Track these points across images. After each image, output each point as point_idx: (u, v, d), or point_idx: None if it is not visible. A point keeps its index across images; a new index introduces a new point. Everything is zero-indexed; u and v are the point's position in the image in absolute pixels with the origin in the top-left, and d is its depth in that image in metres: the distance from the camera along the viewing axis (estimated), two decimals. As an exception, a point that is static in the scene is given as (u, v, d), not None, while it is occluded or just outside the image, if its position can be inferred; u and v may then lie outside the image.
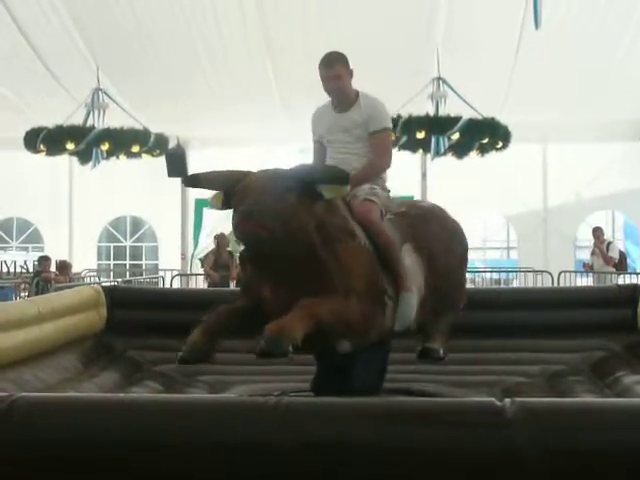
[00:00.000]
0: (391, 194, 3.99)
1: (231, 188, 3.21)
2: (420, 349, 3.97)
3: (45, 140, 10.89)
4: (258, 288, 3.36)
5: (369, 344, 3.49)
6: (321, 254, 3.23)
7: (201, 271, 12.69)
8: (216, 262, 11.89)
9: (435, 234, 3.86)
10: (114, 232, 16.45)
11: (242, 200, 3.08)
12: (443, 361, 4.01)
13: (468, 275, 13.06)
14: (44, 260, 11.41)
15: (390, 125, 4.04)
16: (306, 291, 3.13)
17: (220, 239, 12.19)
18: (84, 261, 14.86)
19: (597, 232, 11.69)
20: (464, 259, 4.14)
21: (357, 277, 3.31)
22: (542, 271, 11.94)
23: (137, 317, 5.50)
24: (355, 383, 3.57)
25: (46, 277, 10.68)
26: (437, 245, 3.83)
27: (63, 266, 11.63)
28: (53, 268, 11.59)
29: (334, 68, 3.91)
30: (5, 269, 13.43)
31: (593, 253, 11.65)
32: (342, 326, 3.26)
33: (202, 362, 3.50)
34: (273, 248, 3.05)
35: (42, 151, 11.18)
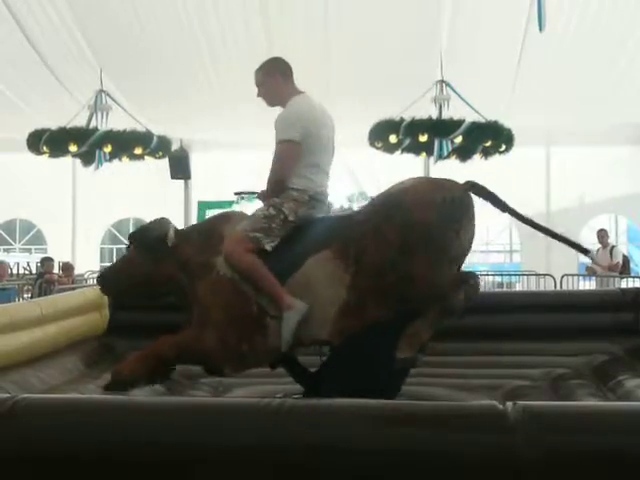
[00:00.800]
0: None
1: None
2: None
3: (48, 142, 10.91)
4: None
5: (257, 366, 3.84)
6: (188, 290, 3.72)
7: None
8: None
9: (369, 229, 3.49)
10: (117, 234, 16.46)
11: None
12: (414, 365, 3.67)
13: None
14: (47, 261, 11.43)
15: (286, 137, 3.77)
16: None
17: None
18: (87, 263, 14.87)
19: (602, 233, 11.68)
20: (415, 246, 3.44)
21: (213, 308, 3.59)
22: (545, 274, 11.92)
23: (139, 319, 5.50)
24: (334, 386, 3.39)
25: (49, 279, 10.69)
26: (366, 241, 3.47)
27: (66, 267, 11.63)
28: (56, 269, 11.61)
29: (255, 79, 4.07)
30: (8, 271, 13.44)
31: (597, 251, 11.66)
32: (197, 356, 3.68)
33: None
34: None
35: (45, 153, 11.19)
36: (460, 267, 3.73)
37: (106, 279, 4.07)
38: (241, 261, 3.61)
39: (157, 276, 3.83)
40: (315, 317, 3.49)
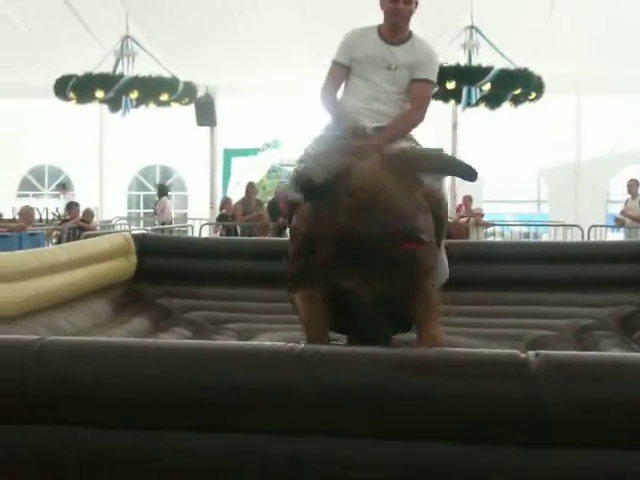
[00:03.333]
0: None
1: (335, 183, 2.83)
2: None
3: (75, 88, 10.91)
4: (335, 278, 2.93)
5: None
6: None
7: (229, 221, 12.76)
8: (244, 210, 11.98)
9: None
10: (144, 181, 16.54)
11: (370, 205, 2.73)
12: None
13: (497, 228, 13.05)
14: (74, 206, 11.54)
15: (435, 79, 3.76)
16: (398, 282, 2.88)
17: (249, 188, 12.28)
18: (115, 209, 15.00)
19: (632, 183, 11.52)
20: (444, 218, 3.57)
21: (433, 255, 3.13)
22: (572, 225, 11.82)
23: (166, 265, 5.55)
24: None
25: (79, 225, 10.82)
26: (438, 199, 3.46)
27: (87, 214, 11.78)
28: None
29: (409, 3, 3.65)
30: (37, 216, 13.59)
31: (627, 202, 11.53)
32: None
33: None
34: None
35: (72, 99, 11.21)
36: None
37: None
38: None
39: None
40: None
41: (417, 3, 3.70)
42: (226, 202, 12.82)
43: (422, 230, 2.74)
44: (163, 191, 13.97)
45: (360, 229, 2.69)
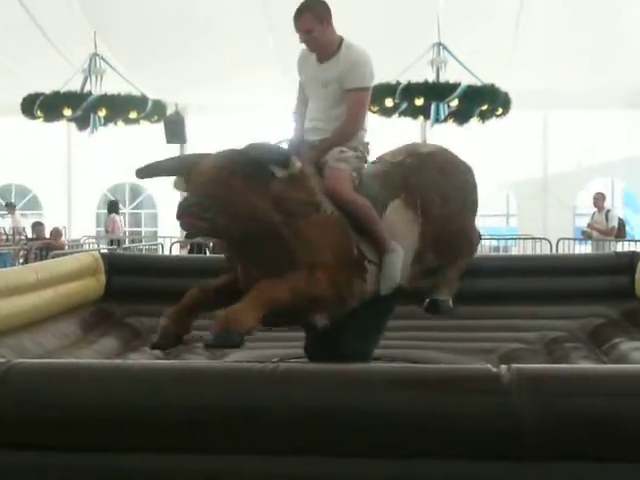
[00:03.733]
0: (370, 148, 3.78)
1: (187, 173, 3.24)
2: (427, 302, 3.94)
3: (42, 106, 10.81)
4: (232, 268, 3.42)
5: (343, 311, 3.45)
6: (283, 231, 3.17)
7: (198, 239, 12.68)
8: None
9: (430, 182, 3.71)
10: (113, 199, 16.42)
11: (189, 188, 3.18)
12: (451, 312, 4.00)
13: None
14: (38, 225, 11.42)
15: (367, 84, 3.67)
16: (273, 270, 3.13)
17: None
18: (83, 228, 14.85)
19: (598, 196, 11.67)
20: (467, 202, 3.95)
21: (322, 250, 3.26)
22: (541, 238, 11.93)
23: (136, 284, 5.50)
24: (342, 349, 3.46)
25: (46, 244, 10.70)
26: (431, 194, 3.69)
27: (55, 233, 11.64)
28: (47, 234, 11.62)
29: (302, 20, 3.61)
30: (4, 236, 13.41)
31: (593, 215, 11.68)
32: (308, 301, 3.23)
33: (174, 346, 3.48)
34: (218, 235, 3.27)
35: (39, 117, 11.10)
36: None
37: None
38: (355, 201, 3.45)
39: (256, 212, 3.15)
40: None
41: (326, 19, 3.65)
42: None
43: (208, 208, 2.97)
44: (113, 208, 13.83)
45: None
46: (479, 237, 4.28)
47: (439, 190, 3.73)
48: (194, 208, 2.99)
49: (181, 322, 3.38)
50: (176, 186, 3.35)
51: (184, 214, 3.03)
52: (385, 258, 3.47)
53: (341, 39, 3.71)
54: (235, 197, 3.04)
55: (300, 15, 3.62)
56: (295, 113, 3.93)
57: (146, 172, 3.50)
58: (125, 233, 14.16)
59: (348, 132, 3.68)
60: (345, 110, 3.66)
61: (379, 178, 3.68)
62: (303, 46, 3.78)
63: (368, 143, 3.81)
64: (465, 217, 3.98)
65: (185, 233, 3.55)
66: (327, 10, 3.68)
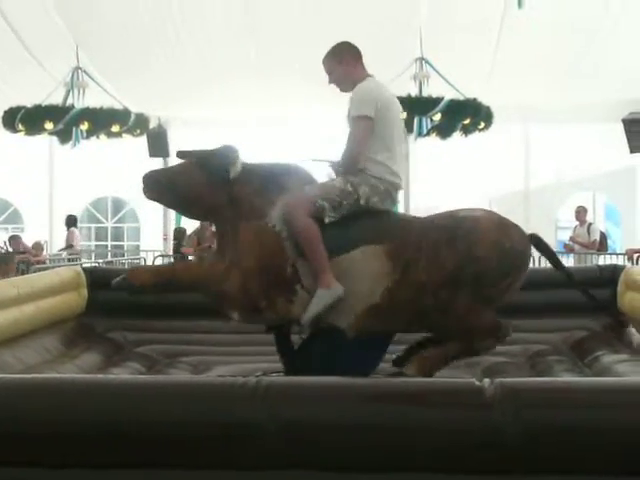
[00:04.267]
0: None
1: None
2: (392, 372, 3.65)
3: (24, 120, 10.75)
4: None
5: (265, 323, 3.74)
6: (226, 227, 3.61)
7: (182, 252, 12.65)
8: (199, 242, 11.91)
9: (429, 244, 3.46)
10: (95, 213, 16.34)
11: None
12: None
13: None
14: (15, 239, 11.32)
15: (362, 113, 3.69)
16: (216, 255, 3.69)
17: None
18: (65, 242, 14.74)
19: (579, 210, 11.78)
20: (465, 282, 3.41)
21: (247, 255, 3.49)
22: (523, 251, 11.97)
23: (118, 298, 5.45)
24: (314, 364, 3.44)
25: (25, 258, 10.61)
26: (420, 256, 3.44)
27: (35, 247, 11.55)
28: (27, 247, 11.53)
29: (324, 64, 3.92)
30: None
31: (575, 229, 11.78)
32: (213, 293, 3.59)
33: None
34: (165, 204, 4.19)
35: (21, 131, 11.03)
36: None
37: (154, 181, 3.78)
38: (301, 222, 3.48)
39: (205, 200, 3.67)
40: (343, 304, 3.46)
41: (343, 60, 3.87)
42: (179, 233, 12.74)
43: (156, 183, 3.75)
44: (72, 222, 13.74)
45: None
46: (494, 329, 3.65)
47: (430, 255, 3.44)
48: (145, 179, 3.76)
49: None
50: None
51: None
52: (317, 291, 3.44)
53: (365, 77, 3.84)
54: (179, 183, 3.69)
55: (323, 59, 3.92)
56: None
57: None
58: (79, 246, 14.06)
59: (344, 159, 3.72)
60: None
61: (378, 220, 3.62)
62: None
63: (393, 184, 3.72)
64: (460, 296, 3.43)
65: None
66: (347, 50, 3.91)
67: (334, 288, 3.44)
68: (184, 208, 3.94)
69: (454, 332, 3.55)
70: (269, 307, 3.50)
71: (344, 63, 3.86)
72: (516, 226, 3.70)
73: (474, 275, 3.42)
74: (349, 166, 3.71)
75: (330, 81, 3.94)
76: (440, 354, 3.60)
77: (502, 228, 3.60)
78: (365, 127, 3.68)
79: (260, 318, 3.61)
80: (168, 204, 4.14)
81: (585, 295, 4.03)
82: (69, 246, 12.23)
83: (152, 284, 3.64)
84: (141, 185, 3.77)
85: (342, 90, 3.91)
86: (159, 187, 3.76)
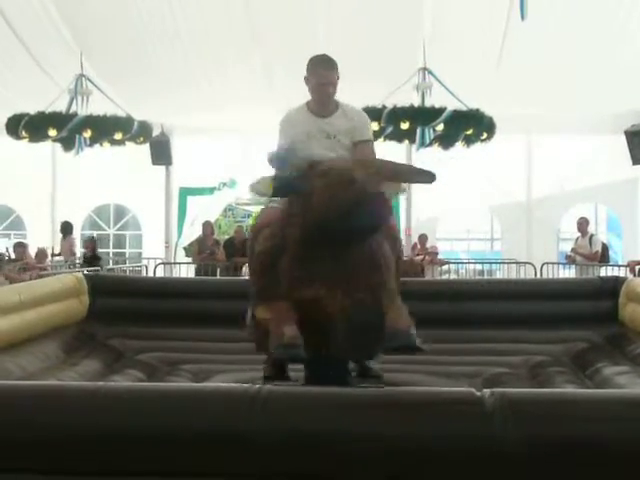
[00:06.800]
0: None
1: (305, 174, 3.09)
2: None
3: (27, 127, 10.78)
4: (299, 290, 3.09)
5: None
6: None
7: (184, 260, 12.67)
8: (200, 250, 11.93)
9: None
10: (97, 220, 16.34)
11: (344, 183, 2.90)
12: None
13: (452, 266, 13.21)
14: (20, 247, 11.30)
15: (371, 137, 4.01)
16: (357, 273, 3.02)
17: (206, 226, 12.27)
18: (62, 249, 14.74)
19: (581, 221, 11.79)
20: None
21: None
22: (525, 262, 11.98)
23: (119, 305, 5.47)
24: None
25: (27, 265, 10.62)
26: None
27: (38, 254, 11.55)
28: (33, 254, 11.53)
29: (332, 73, 3.82)
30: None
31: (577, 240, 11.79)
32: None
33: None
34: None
35: (24, 138, 11.06)
36: None
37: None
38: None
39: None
40: None
41: (338, 77, 3.86)
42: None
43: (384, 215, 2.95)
44: (69, 229, 13.74)
45: (334, 206, 2.81)
46: None
47: None
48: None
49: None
50: (260, 189, 3.14)
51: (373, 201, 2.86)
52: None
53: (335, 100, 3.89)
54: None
55: (331, 68, 3.83)
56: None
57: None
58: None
59: None
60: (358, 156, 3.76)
61: None
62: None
63: None
64: None
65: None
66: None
67: None
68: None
69: None
70: None
71: (338, 80, 3.84)
72: None
73: None
74: None
75: (324, 90, 3.80)
76: None
77: None
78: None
79: None
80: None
81: None
82: (71, 253, 12.26)
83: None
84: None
85: (324, 102, 3.82)
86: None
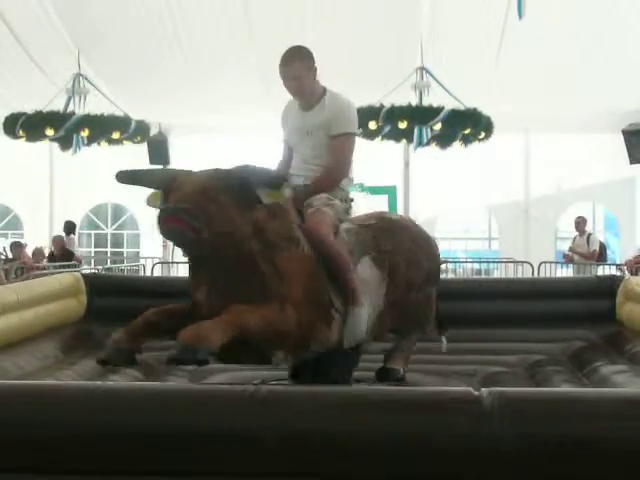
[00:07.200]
0: (362, 195, 3.88)
1: (168, 186, 3.09)
2: (379, 369, 4.00)
3: (24, 126, 10.78)
4: (194, 291, 3.22)
5: (313, 355, 3.40)
6: (258, 260, 3.09)
7: (182, 259, 12.65)
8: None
9: (399, 247, 3.72)
10: (95, 219, 16.34)
11: (174, 198, 2.96)
12: (403, 381, 3.98)
13: (450, 265, 13.19)
14: (17, 246, 11.27)
15: (353, 130, 3.69)
16: (240, 298, 2.97)
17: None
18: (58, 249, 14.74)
19: (579, 220, 11.80)
20: (432, 276, 3.98)
21: (295, 286, 3.15)
22: (523, 262, 12.00)
23: (117, 305, 5.46)
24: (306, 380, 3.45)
25: (25, 264, 10.61)
26: (399, 258, 3.70)
27: (35, 253, 11.54)
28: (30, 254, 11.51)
29: (292, 67, 3.58)
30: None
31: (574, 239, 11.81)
32: (274, 336, 3.10)
33: (123, 364, 3.36)
34: (198, 249, 3.00)
35: (22, 137, 11.06)
36: None
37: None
38: (335, 247, 3.42)
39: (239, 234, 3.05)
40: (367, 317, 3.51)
41: (313, 68, 3.66)
42: None
43: (197, 216, 2.85)
44: (71, 228, 13.74)
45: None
46: (436, 318, 4.17)
47: (406, 256, 3.75)
48: (182, 213, 2.84)
49: (135, 341, 3.21)
50: (150, 201, 3.22)
51: (170, 217, 2.87)
52: (353, 310, 3.38)
53: (324, 88, 3.71)
54: (222, 214, 2.92)
55: (290, 62, 3.60)
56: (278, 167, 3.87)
57: (126, 177, 3.31)
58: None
59: (334, 177, 3.67)
60: (329, 157, 3.63)
61: (353, 234, 3.64)
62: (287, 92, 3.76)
63: (352, 199, 3.84)
64: (428, 290, 3.98)
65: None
66: (313, 59, 3.67)
67: (365, 303, 3.45)
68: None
69: (418, 324, 4.03)
70: (315, 338, 3.30)
71: (311, 72, 3.64)
72: None
73: (437, 273, 4.06)
74: (340, 181, 3.70)
75: (291, 87, 3.64)
76: (410, 347, 4.12)
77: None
78: (354, 145, 3.70)
79: (305, 352, 3.35)
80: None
81: None
82: (69, 253, 12.24)
83: (218, 342, 2.87)
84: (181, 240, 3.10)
85: (299, 98, 3.68)
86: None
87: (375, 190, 13.07)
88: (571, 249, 11.80)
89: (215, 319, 2.91)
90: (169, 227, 2.89)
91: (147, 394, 2.44)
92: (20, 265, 10.41)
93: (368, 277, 3.54)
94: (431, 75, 10.71)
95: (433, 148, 11.11)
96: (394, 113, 10.17)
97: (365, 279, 3.52)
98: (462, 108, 10.40)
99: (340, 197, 3.69)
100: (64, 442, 2.26)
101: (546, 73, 11.64)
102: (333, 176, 3.67)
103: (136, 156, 13.04)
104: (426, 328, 4.10)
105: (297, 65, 3.60)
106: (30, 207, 15.69)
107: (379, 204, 11.93)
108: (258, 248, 3.09)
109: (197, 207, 2.87)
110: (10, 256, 11.15)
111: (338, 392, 2.40)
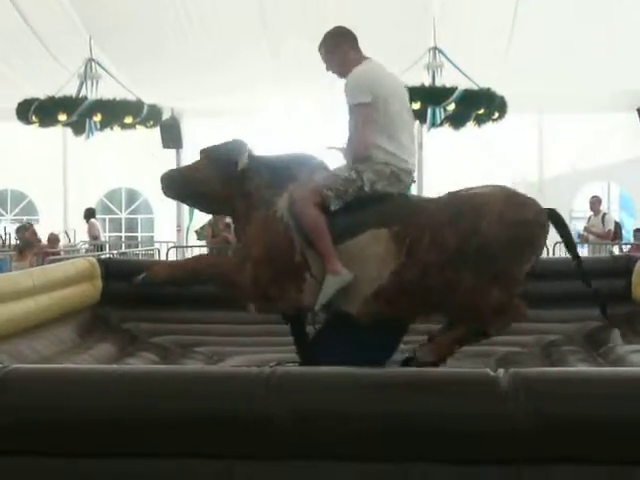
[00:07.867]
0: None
1: None
2: (405, 357, 3.60)
3: (37, 111, 10.78)
4: None
5: (279, 312, 3.71)
6: (241, 220, 3.70)
7: (197, 243, 12.68)
8: (213, 233, 11.94)
9: (433, 225, 3.38)
10: (109, 204, 16.39)
11: None
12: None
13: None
14: (23, 230, 11.27)
15: (357, 100, 3.65)
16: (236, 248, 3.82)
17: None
18: (79, 233, 14.82)
19: (594, 200, 11.75)
20: (470, 257, 3.31)
21: (257, 244, 3.54)
22: (537, 242, 11.92)
23: (132, 289, 5.48)
24: (322, 358, 3.28)
25: (39, 250, 10.65)
26: (428, 238, 3.36)
27: (51, 239, 11.58)
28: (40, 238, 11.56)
29: (320, 53, 3.90)
30: (-1, 241, 13.37)
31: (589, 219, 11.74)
32: (226, 285, 3.67)
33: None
34: (183, 201, 4.31)
35: (35, 122, 11.07)
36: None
37: (170, 180, 3.83)
38: (306, 213, 3.51)
39: (218, 194, 3.73)
40: (353, 290, 3.46)
41: (331, 50, 3.86)
42: None
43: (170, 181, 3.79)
44: (91, 214, 13.81)
45: None
46: (504, 309, 3.50)
47: (439, 235, 3.36)
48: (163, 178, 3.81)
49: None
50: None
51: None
52: (326, 278, 3.46)
53: (363, 60, 3.82)
54: (193, 179, 3.74)
55: (319, 48, 3.91)
56: None
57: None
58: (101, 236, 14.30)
59: (348, 149, 3.73)
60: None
61: (382, 205, 3.59)
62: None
63: (400, 167, 3.70)
64: (465, 275, 3.32)
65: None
66: (340, 35, 3.87)
67: (342, 274, 3.45)
68: (200, 204, 4.01)
69: (462, 312, 3.44)
70: (280, 296, 3.55)
71: (338, 50, 3.83)
72: (528, 200, 3.64)
73: (478, 251, 3.31)
74: (355, 154, 3.70)
75: (328, 69, 3.92)
76: (452, 337, 3.52)
77: (510, 201, 3.52)
78: (363, 114, 3.65)
79: (273, 307, 3.65)
80: (186, 201, 4.17)
81: (586, 284, 3.89)
82: (94, 237, 12.28)
83: (171, 278, 3.78)
84: (160, 185, 3.82)
85: (341, 77, 3.85)
86: (175, 185, 3.82)
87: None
88: (586, 229, 11.73)
89: (174, 262, 3.78)
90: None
91: (164, 377, 2.46)
92: (38, 251, 10.45)
93: (371, 250, 3.48)
94: (444, 55, 10.62)
95: (446, 129, 11.04)
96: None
97: (365, 250, 3.48)
98: (475, 88, 10.31)
99: (376, 169, 3.65)
100: (83, 425, 2.28)
101: (560, 52, 11.53)
102: (349, 149, 3.75)
103: (149, 140, 13.07)
104: (473, 319, 3.47)
105: (321, 53, 3.90)
106: (45, 193, 15.76)
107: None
108: (243, 208, 3.66)
109: (175, 175, 3.90)
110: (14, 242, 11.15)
111: (354, 373, 2.40)
